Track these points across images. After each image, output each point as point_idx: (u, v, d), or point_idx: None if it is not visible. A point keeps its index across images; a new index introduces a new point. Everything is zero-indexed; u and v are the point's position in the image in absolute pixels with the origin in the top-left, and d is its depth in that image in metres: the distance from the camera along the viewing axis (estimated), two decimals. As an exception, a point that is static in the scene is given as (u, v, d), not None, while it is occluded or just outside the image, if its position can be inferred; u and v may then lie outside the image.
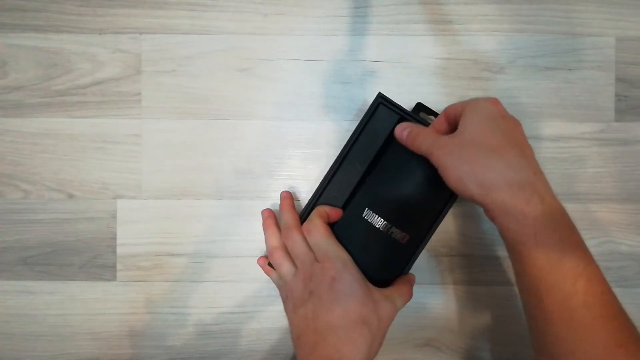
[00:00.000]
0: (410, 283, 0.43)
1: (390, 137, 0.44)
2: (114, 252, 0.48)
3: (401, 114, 0.44)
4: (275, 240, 0.44)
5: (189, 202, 0.48)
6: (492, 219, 0.36)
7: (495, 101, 0.38)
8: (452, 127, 0.40)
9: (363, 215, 0.43)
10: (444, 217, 0.43)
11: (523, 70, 0.47)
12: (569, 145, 0.47)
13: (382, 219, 0.42)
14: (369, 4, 0.47)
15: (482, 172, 0.35)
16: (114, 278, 0.48)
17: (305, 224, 0.42)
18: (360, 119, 0.44)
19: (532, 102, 0.47)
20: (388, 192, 0.42)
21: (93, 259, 0.48)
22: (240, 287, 0.48)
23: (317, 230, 0.41)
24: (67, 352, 0.48)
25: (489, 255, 0.47)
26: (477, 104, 0.38)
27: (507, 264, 0.47)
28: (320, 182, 0.44)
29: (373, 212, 0.42)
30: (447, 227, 0.48)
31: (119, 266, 0.48)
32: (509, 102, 0.47)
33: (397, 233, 0.42)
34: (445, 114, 0.40)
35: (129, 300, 0.48)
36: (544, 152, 0.47)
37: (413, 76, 0.47)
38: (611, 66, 0.47)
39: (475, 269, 0.47)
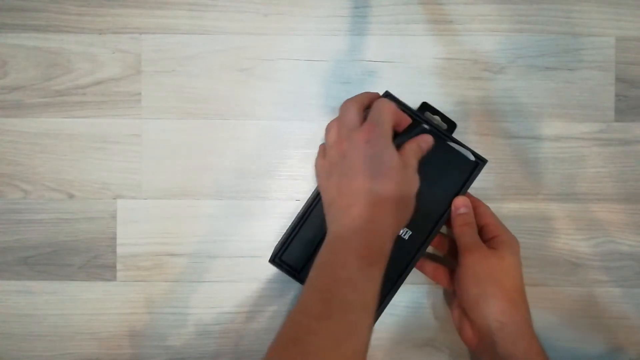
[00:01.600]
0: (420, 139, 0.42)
1: (394, 134, 0.44)
2: (114, 252, 0.48)
3: (406, 112, 0.43)
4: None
5: (189, 202, 0.48)
6: (486, 335, 0.40)
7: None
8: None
9: None
10: (448, 214, 0.44)
11: (523, 70, 0.47)
12: (569, 145, 0.47)
13: None
14: (369, 4, 0.47)
15: (511, 309, 0.40)
16: (114, 278, 0.48)
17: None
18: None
19: (532, 102, 0.47)
20: None
21: (93, 259, 0.48)
22: (240, 287, 0.48)
23: (384, 107, 0.40)
24: (67, 352, 0.48)
25: (489, 255, 0.47)
26: (516, 244, 0.43)
27: (507, 264, 0.47)
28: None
29: None
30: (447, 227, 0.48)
31: (119, 266, 0.48)
32: (509, 102, 0.47)
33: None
34: (484, 224, 0.44)
35: (129, 300, 0.48)
36: (544, 152, 0.47)
37: (413, 76, 0.47)
38: (611, 66, 0.47)
39: (475, 269, 0.47)
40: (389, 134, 0.39)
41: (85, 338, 0.48)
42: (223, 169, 0.48)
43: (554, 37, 0.47)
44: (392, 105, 0.40)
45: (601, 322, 0.47)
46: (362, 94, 0.43)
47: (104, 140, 0.48)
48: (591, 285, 0.47)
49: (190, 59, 0.48)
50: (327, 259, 0.37)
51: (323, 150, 0.43)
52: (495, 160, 0.47)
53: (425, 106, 0.46)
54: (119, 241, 0.48)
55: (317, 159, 0.44)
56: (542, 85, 0.47)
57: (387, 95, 0.44)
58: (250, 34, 0.48)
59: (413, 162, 0.40)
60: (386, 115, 0.39)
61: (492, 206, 0.47)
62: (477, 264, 0.40)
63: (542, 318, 0.47)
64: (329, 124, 0.43)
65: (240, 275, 0.48)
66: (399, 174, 0.38)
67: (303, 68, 0.47)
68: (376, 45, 0.47)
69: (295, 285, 0.47)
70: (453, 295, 0.44)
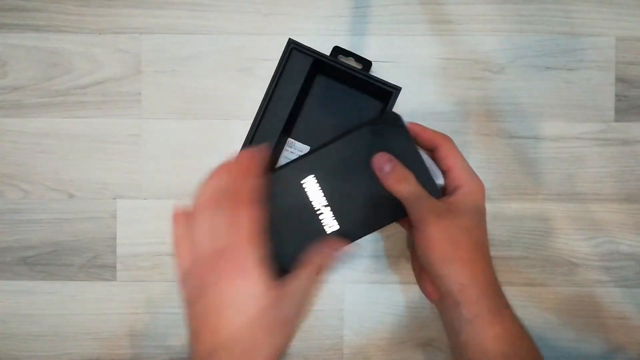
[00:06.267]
0: (315, 264, 0.35)
1: (308, 81, 0.44)
2: (114, 252, 0.48)
3: (315, 57, 0.42)
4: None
5: (189, 202, 0.47)
6: (453, 306, 0.36)
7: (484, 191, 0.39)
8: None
9: (302, 181, 0.38)
10: (381, 227, 0.39)
11: (523, 70, 0.47)
12: (569, 145, 0.47)
13: (322, 195, 0.38)
14: (369, 4, 0.47)
15: (471, 270, 0.36)
16: (114, 278, 0.48)
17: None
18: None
19: (532, 102, 0.47)
20: (340, 171, 0.38)
21: (93, 259, 0.48)
22: (240, 287, 0.48)
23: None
24: (67, 352, 0.48)
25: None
26: (480, 193, 0.38)
27: (506, 264, 0.47)
28: (246, 136, 0.43)
29: (316, 183, 0.38)
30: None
31: (119, 266, 0.48)
32: (509, 102, 0.47)
33: (327, 218, 0.38)
34: (437, 158, 0.39)
35: (129, 300, 0.48)
36: (544, 152, 0.47)
37: (413, 76, 0.47)
38: (611, 66, 0.47)
39: (475, 269, 0.47)
40: (261, 259, 0.33)
41: (85, 338, 0.48)
42: (223, 169, 0.48)
43: (554, 37, 0.47)
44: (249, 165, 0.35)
45: (601, 322, 0.47)
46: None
47: (104, 140, 0.48)
48: (591, 285, 0.47)
49: (190, 59, 0.48)
50: None
51: (187, 216, 0.35)
52: (495, 160, 0.47)
53: (337, 50, 0.45)
54: (119, 241, 0.48)
55: (175, 222, 0.35)
56: (542, 85, 0.47)
57: (291, 42, 0.42)
58: (250, 34, 0.48)
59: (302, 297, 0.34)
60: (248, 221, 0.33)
61: (492, 206, 0.47)
62: (430, 229, 0.35)
63: (542, 318, 0.47)
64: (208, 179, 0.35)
65: (240, 275, 0.48)
66: (278, 312, 0.32)
67: (303, 68, 0.47)
68: (376, 45, 0.47)
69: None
70: (412, 245, 0.41)
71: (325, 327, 0.47)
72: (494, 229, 0.47)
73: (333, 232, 0.38)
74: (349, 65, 0.43)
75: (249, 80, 0.47)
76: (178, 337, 0.48)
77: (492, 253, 0.47)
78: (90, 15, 0.48)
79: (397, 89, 0.43)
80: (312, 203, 0.38)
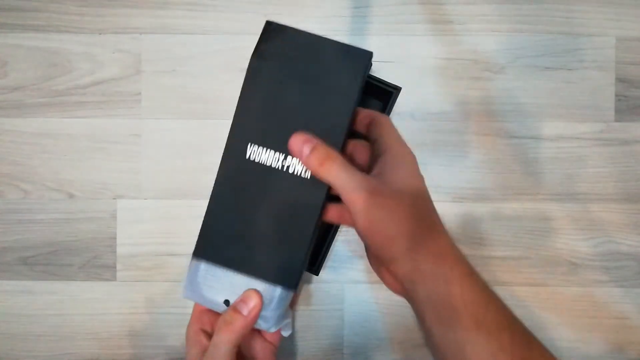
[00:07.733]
0: (230, 330, 0.34)
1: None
2: (114, 252, 0.48)
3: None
4: None
5: (189, 202, 0.48)
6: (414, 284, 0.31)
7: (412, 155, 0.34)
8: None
9: (247, 157, 0.34)
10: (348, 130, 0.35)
11: (523, 70, 0.47)
12: (569, 145, 0.47)
13: (272, 151, 0.33)
14: (369, 4, 0.47)
15: (411, 231, 0.31)
16: (114, 278, 0.48)
17: None
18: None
19: (532, 102, 0.47)
20: (272, 115, 0.34)
21: (93, 259, 0.48)
22: (240, 287, 0.48)
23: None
24: (67, 352, 0.48)
25: (489, 255, 0.47)
26: (409, 157, 0.33)
27: (506, 264, 0.47)
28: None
29: (259, 146, 0.34)
30: (448, 227, 0.47)
31: (119, 266, 0.48)
32: (509, 102, 0.47)
33: (294, 164, 0.33)
34: (370, 130, 0.34)
35: (129, 300, 0.48)
36: (544, 152, 0.47)
37: (413, 76, 0.47)
38: (611, 66, 0.47)
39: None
40: None
41: (85, 338, 0.48)
42: (223, 169, 0.48)
43: (554, 37, 0.47)
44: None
45: (601, 322, 0.47)
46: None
47: (104, 140, 0.48)
48: (591, 285, 0.47)
49: (190, 59, 0.48)
50: None
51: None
52: (495, 160, 0.47)
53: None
54: (119, 241, 0.48)
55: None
56: (542, 85, 0.47)
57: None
58: (250, 34, 0.48)
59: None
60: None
61: (492, 206, 0.47)
62: (363, 207, 0.30)
63: (542, 318, 0.47)
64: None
65: (240, 275, 0.48)
66: None
67: (303, 68, 0.47)
68: (376, 45, 0.47)
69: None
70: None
71: (325, 327, 0.47)
72: (494, 229, 0.47)
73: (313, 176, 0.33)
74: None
75: (249, 80, 0.47)
76: (178, 337, 0.48)
77: (492, 253, 0.48)
78: (90, 15, 0.48)
79: (397, 89, 0.43)
80: (272, 166, 0.33)
